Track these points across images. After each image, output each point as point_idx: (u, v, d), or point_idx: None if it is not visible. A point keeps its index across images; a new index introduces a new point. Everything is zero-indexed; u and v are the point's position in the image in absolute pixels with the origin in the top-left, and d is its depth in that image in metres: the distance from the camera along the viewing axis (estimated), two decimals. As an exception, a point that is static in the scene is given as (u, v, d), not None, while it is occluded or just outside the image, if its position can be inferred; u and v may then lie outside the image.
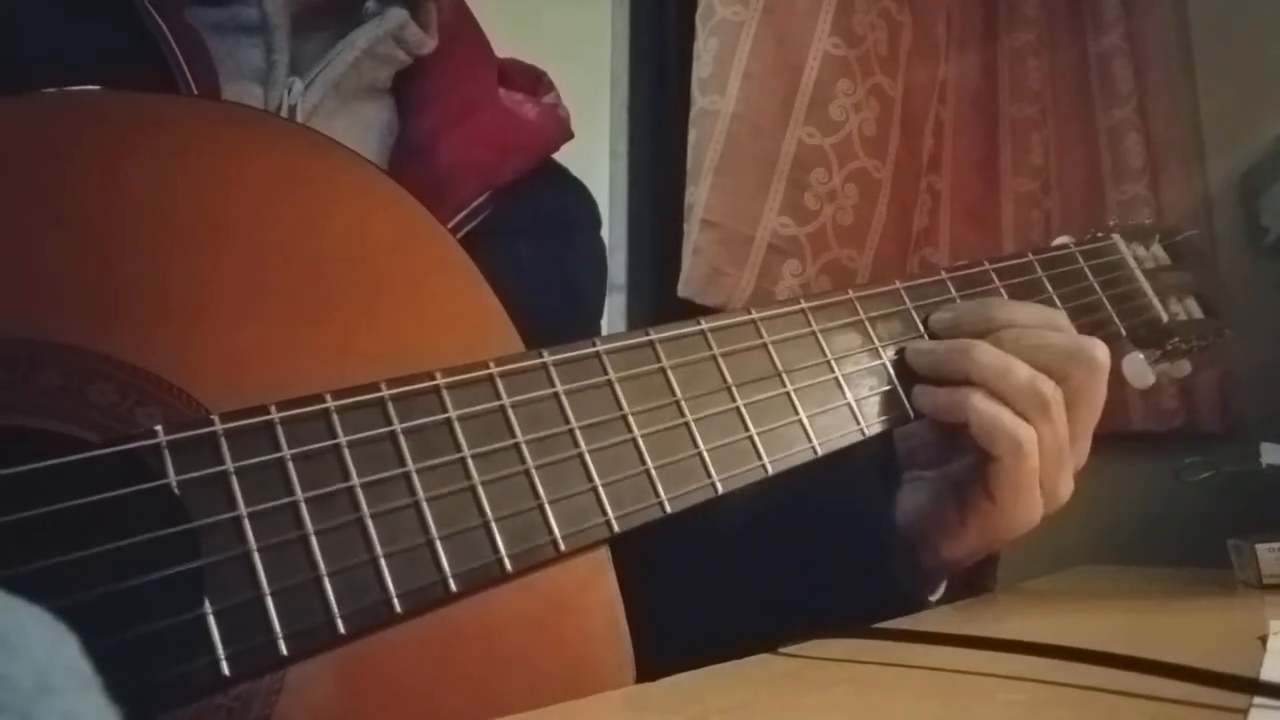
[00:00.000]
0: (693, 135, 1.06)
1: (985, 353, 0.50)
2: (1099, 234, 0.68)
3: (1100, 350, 0.51)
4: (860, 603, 0.51)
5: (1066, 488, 0.52)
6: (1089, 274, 0.63)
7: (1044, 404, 0.49)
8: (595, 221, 0.68)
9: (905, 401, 0.51)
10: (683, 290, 1.04)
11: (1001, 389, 0.49)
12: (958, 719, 0.33)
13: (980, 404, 0.49)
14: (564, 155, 0.64)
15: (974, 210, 1.27)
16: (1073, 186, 1.31)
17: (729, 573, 0.57)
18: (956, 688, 0.36)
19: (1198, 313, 0.67)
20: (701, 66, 1.06)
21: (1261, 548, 0.69)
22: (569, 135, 0.62)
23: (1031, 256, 0.62)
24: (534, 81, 0.64)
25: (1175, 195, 1.26)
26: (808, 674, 0.40)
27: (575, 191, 0.66)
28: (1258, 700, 0.31)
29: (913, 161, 1.19)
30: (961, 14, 1.29)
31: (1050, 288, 0.60)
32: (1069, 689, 0.34)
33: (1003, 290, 0.58)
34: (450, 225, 0.50)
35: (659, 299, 1.17)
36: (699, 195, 1.04)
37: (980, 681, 0.36)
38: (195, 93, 0.46)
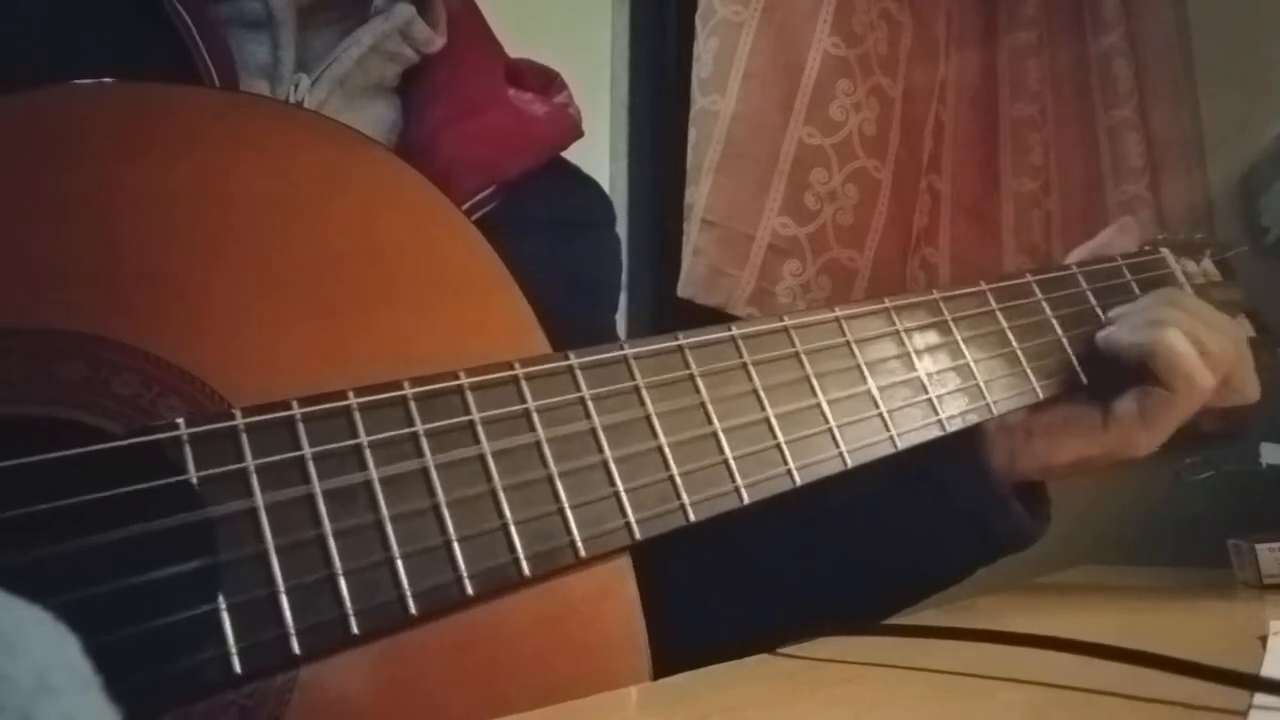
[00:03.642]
0: (693, 135, 1.06)
1: (1190, 305, 0.58)
2: (1147, 247, 0.67)
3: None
4: (967, 555, 0.58)
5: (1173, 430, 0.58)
6: (1136, 288, 0.63)
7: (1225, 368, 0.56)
8: (608, 218, 0.68)
9: (939, 413, 0.51)
10: (683, 290, 1.04)
11: (1198, 336, 0.55)
12: (958, 719, 0.33)
13: (1172, 338, 0.55)
14: (565, 154, 0.64)
15: (974, 210, 1.27)
16: (1073, 186, 1.31)
17: (827, 556, 0.59)
18: (957, 688, 0.36)
19: (1250, 330, 0.66)
20: (701, 66, 1.06)
21: (1261, 548, 0.69)
22: (579, 133, 0.62)
23: (1075, 269, 0.61)
24: (546, 81, 0.64)
25: (1175, 195, 1.26)
26: (807, 674, 0.40)
27: (587, 189, 0.66)
28: (1258, 700, 0.31)
29: (913, 161, 1.19)
30: (961, 14, 1.29)
31: (1094, 300, 0.60)
32: (1069, 690, 0.34)
33: (1045, 304, 0.58)
34: None
35: (659, 299, 1.17)
36: (699, 195, 1.04)
37: (981, 682, 0.36)
38: (218, 86, 0.46)
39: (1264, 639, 0.43)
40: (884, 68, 1.15)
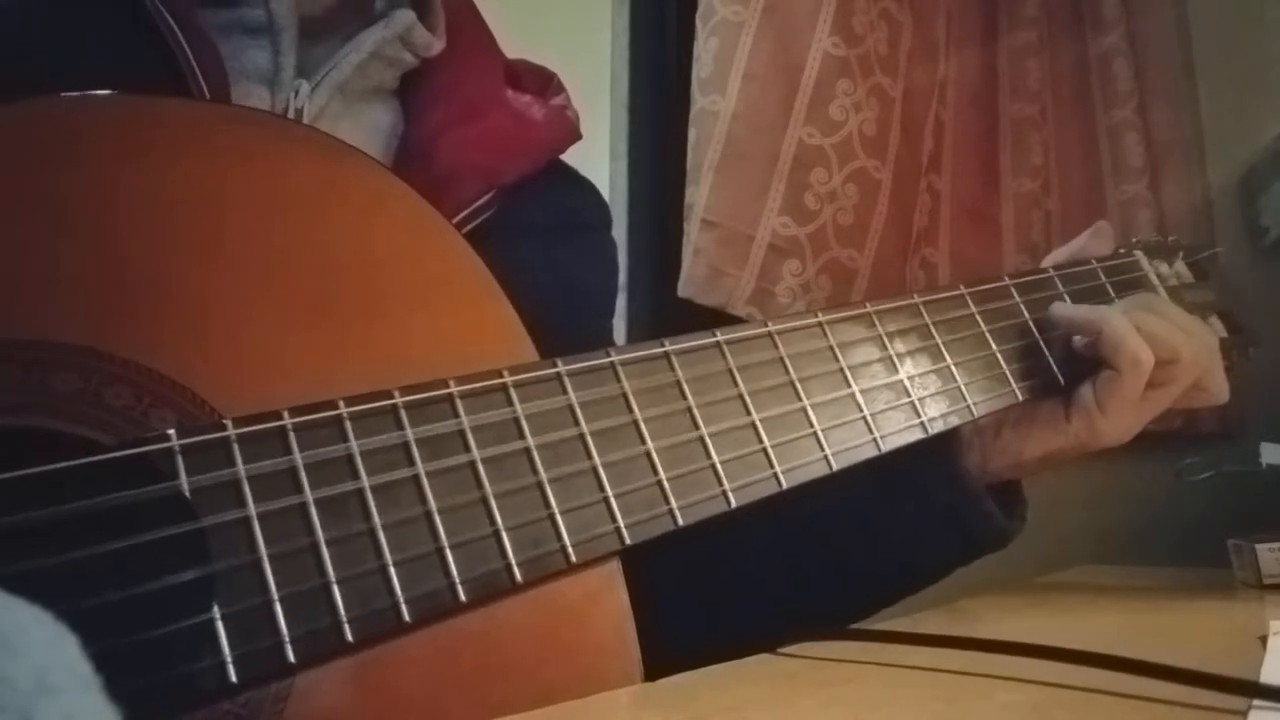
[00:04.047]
0: (693, 135, 1.06)
1: (1162, 308, 0.59)
2: (1121, 250, 0.68)
3: (1199, 361, 0.58)
4: (945, 554, 0.59)
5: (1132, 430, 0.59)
6: (1110, 290, 0.63)
7: (1173, 355, 0.56)
8: (605, 221, 0.68)
9: (921, 415, 0.51)
10: (683, 290, 1.04)
11: (1138, 318, 0.56)
12: (958, 719, 0.33)
13: (1117, 319, 0.56)
14: (564, 155, 0.64)
15: (974, 210, 1.27)
16: (1073, 186, 1.31)
17: (806, 557, 0.60)
18: (956, 688, 0.36)
19: (1222, 331, 0.67)
20: (701, 66, 1.06)
21: (1261, 548, 0.69)
22: (577, 136, 0.62)
23: (1052, 272, 0.62)
24: (544, 83, 0.64)
25: (1175, 195, 1.26)
26: (807, 674, 0.40)
27: (584, 191, 0.66)
28: (1257, 702, 0.31)
29: (913, 161, 1.19)
30: (961, 14, 1.29)
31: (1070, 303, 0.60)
32: (1068, 690, 0.34)
33: (1024, 307, 0.59)
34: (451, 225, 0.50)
35: (659, 299, 1.17)
36: (699, 195, 1.04)
37: (980, 682, 0.36)
38: (207, 95, 0.46)
39: (1264, 639, 0.43)
40: (884, 68, 1.15)
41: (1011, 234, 1.28)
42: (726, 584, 0.59)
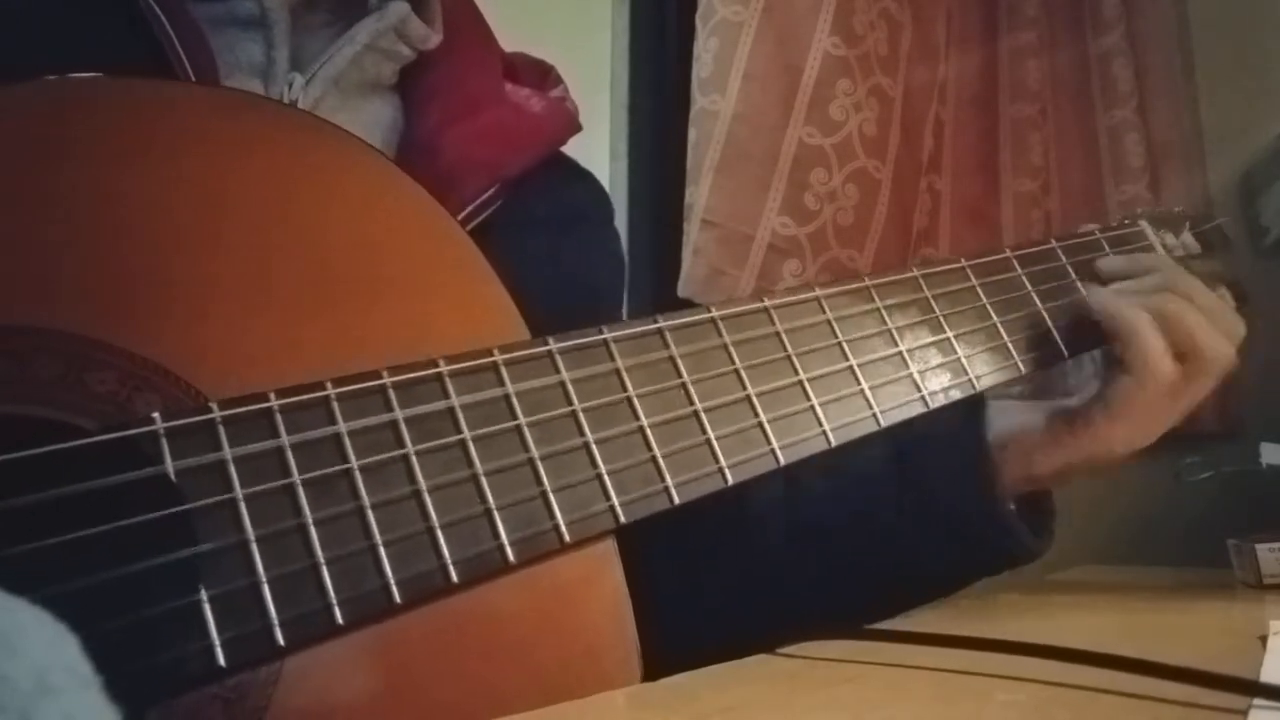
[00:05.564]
0: (693, 135, 1.06)
1: (1200, 298, 0.57)
2: (1126, 220, 0.67)
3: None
4: (966, 570, 0.58)
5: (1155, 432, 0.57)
6: None
7: (1209, 366, 0.55)
8: (607, 214, 0.68)
9: (922, 389, 0.50)
10: (683, 290, 1.04)
11: (1176, 312, 0.55)
12: (958, 719, 0.33)
13: (1143, 322, 0.54)
14: (565, 150, 0.63)
15: (974, 210, 1.27)
16: (1073, 186, 1.31)
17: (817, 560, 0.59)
18: (956, 688, 0.36)
19: (1231, 303, 0.66)
20: (701, 66, 1.06)
21: (1261, 548, 0.69)
22: (577, 127, 0.62)
23: (1055, 243, 0.61)
24: (542, 75, 0.64)
25: (1175, 195, 1.26)
26: (807, 674, 0.40)
27: (585, 184, 0.66)
28: (1257, 702, 0.31)
29: (913, 161, 1.19)
30: (961, 14, 1.29)
31: (1074, 274, 0.59)
32: (1068, 690, 0.34)
33: (1025, 279, 0.58)
34: (457, 221, 0.50)
35: (659, 299, 1.17)
36: (699, 195, 1.04)
37: (980, 682, 0.36)
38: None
39: (1264, 639, 0.43)
40: (884, 68, 1.15)
41: (1011, 234, 1.28)
42: (735, 594, 0.59)
